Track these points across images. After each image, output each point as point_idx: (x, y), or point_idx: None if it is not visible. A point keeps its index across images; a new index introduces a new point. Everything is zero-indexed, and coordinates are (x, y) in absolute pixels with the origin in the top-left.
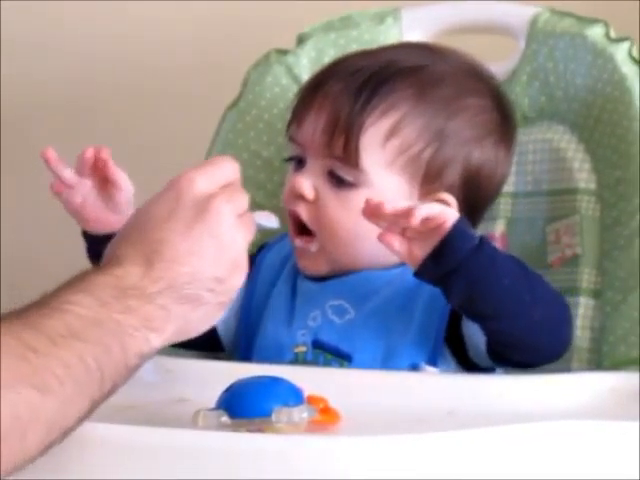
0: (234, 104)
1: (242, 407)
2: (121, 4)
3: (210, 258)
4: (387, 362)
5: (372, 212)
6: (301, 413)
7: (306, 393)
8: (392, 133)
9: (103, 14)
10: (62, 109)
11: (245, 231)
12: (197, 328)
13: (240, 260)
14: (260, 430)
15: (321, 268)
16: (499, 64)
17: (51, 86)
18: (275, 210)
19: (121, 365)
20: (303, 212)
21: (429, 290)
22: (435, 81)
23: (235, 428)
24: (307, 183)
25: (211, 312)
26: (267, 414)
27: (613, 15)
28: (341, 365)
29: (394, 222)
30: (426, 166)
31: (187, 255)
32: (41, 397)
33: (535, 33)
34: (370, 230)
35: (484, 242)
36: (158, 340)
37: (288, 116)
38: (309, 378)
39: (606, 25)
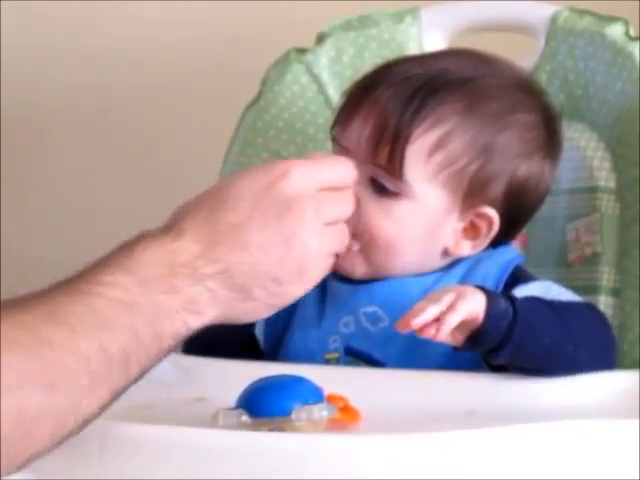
0: (253, 103)
1: (262, 406)
2: (140, 5)
3: (275, 257)
4: None
5: (403, 327)
6: (321, 411)
7: (326, 392)
8: (438, 147)
9: (120, 15)
10: (77, 110)
11: (326, 241)
12: (240, 318)
13: (307, 269)
14: (280, 429)
15: (358, 269)
16: (519, 63)
17: (65, 88)
18: None
19: (153, 350)
20: None
21: None
22: (485, 95)
23: (255, 427)
24: None
25: (258, 309)
26: (287, 413)
27: (633, 13)
28: None
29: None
30: (469, 181)
31: (254, 246)
32: (50, 395)
33: (555, 31)
34: (410, 239)
35: (517, 311)
36: (198, 322)
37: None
38: (329, 377)
39: (626, 23)
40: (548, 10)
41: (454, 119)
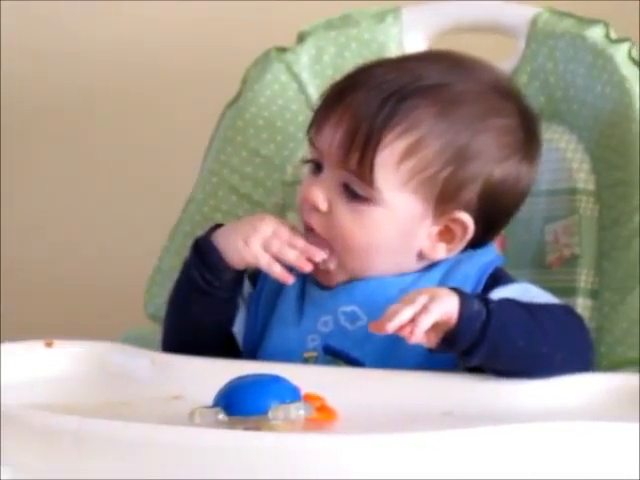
0: (233, 101)
1: (239, 404)
2: (121, 5)
3: None
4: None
5: (378, 330)
6: (298, 410)
7: (303, 391)
8: (408, 154)
9: (104, 16)
10: (62, 111)
11: None
12: None
13: None
14: (257, 428)
15: (335, 278)
16: (499, 64)
17: (53, 89)
18: (273, 208)
19: None
20: (316, 224)
21: None
22: (459, 99)
23: (232, 425)
24: (321, 195)
25: None
26: (264, 412)
27: (613, 16)
28: None
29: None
30: (442, 187)
31: None
32: None
33: (535, 33)
34: (383, 244)
35: (491, 312)
36: None
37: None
38: (306, 376)
39: (606, 26)
40: (529, 12)
41: (426, 125)
